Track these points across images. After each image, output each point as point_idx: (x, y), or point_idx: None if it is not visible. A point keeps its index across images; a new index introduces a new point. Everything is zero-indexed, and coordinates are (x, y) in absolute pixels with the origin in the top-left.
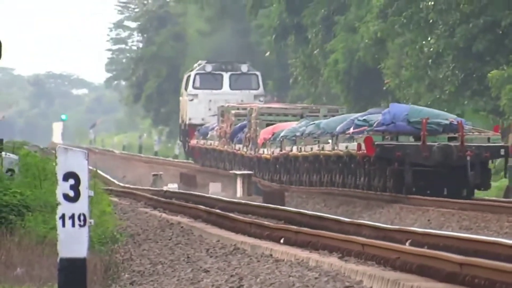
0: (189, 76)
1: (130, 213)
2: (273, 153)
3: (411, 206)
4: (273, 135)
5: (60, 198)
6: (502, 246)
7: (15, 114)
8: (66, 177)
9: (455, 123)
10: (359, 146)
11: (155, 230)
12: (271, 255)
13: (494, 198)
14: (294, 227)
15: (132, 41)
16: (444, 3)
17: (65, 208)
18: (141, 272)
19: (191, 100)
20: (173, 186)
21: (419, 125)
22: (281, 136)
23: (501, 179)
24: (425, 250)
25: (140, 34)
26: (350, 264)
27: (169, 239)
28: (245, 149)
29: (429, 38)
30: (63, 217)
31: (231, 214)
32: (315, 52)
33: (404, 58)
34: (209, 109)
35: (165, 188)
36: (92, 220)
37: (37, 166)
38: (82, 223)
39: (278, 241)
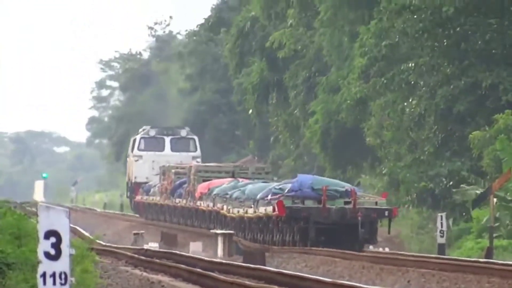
0: (134, 139)
1: (111, 271)
2: (207, 206)
3: (391, 266)
4: (209, 190)
5: (41, 256)
6: None
7: None
8: (48, 235)
9: (350, 190)
10: (273, 208)
11: None
12: None
13: (475, 259)
14: (275, 287)
15: (114, 100)
16: (425, 65)
17: (46, 266)
18: None
19: (137, 160)
20: (154, 245)
21: (321, 192)
22: (214, 194)
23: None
24: None
25: (121, 93)
26: None
27: None
28: (184, 201)
29: (410, 100)
30: (44, 275)
31: (212, 273)
32: (296, 111)
33: (385, 119)
34: (153, 169)
35: (145, 247)
36: (73, 279)
37: (17, 224)
38: (63, 281)
39: None
